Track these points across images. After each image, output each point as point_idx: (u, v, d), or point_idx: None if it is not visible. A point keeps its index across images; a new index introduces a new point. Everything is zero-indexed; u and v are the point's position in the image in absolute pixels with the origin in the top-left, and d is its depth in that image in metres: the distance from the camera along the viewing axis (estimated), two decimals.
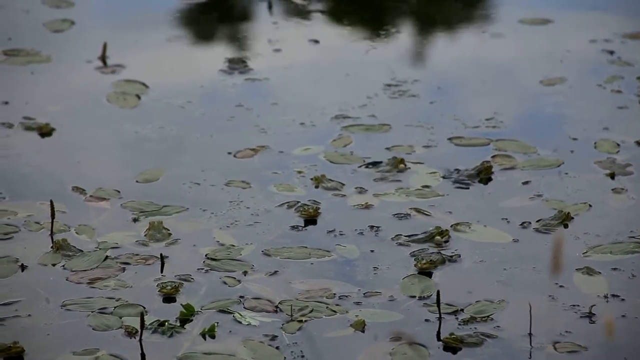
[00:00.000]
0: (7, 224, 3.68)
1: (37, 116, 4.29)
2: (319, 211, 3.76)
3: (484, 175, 3.83)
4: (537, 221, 3.71)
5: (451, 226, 3.69)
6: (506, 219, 3.73)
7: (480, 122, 4.29)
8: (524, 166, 4.01)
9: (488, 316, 3.31)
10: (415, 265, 3.51)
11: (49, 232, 3.65)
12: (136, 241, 3.62)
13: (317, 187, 3.90)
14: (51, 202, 3.65)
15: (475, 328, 3.27)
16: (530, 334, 3.24)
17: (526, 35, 4.97)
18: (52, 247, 3.57)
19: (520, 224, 3.71)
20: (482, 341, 3.22)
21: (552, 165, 4.01)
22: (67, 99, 4.43)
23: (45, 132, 4.21)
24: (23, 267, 3.50)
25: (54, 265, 3.51)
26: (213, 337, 3.25)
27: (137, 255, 3.56)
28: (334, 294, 3.40)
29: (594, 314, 3.31)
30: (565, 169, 3.99)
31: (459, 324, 3.28)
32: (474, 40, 4.93)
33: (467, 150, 4.12)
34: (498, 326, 3.28)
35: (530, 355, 3.18)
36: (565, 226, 3.70)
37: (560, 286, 3.42)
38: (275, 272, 3.49)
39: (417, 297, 3.39)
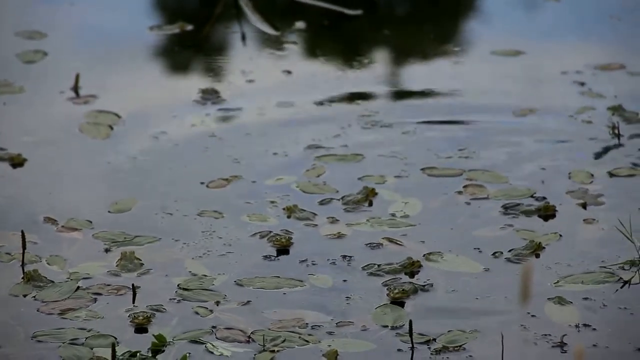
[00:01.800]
0: None
1: (9, 147, 4.28)
2: (292, 241, 3.76)
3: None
4: (509, 251, 3.73)
5: (423, 255, 3.70)
6: (478, 248, 3.74)
7: (453, 152, 4.31)
8: (496, 196, 4.03)
9: (460, 346, 3.31)
10: (387, 295, 3.52)
11: (20, 262, 3.63)
12: (108, 271, 3.61)
13: (289, 217, 3.90)
14: (22, 232, 3.63)
15: (448, 358, 3.27)
16: None
17: (498, 66, 5.00)
18: (22, 278, 3.55)
19: (492, 254, 3.72)
20: None
21: (524, 195, 4.03)
22: (40, 130, 4.42)
23: (17, 162, 4.20)
24: None
25: (24, 296, 3.50)
26: None
27: (108, 285, 3.54)
28: (307, 323, 3.40)
29: (565, 344, 3.32)
30: (538, 199, 4.01)
31: (432, 354, 3.29)
32: (447, 70, 4.95)
33: (439, 181, 4.14)
34: (470, 356, 3.28)
35: None
36: (537, 256, 3.72)
37: (532, 316, 3.43)
38: (248, 302, 3.49)
39: (389, 327, 3.39)
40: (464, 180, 4.13)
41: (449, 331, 3.36)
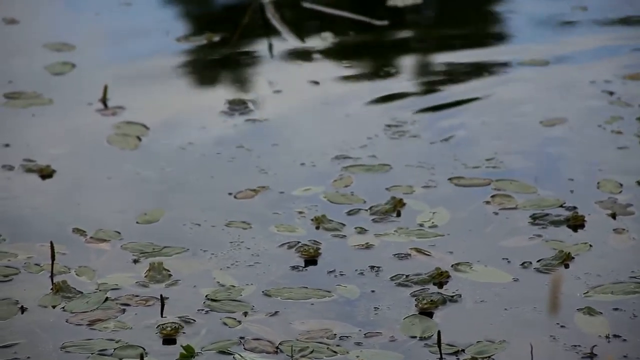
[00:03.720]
0: (7, 265, 3.68)
1: (38, 158, 4.30)
2: (320, 251, 3.75)
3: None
4: (538, 261, 3.71)
5: (452, 266, 3.68)
6: (507, 258, 3.73)
7: (481, 162, 4.30)
8: (524, 206, 4.01)
9: (489, 356, 3.30)
10: (416, 306, 3.51)
11: (49, 273, 3.64)
12: (136, 282, 3.62)
13: (317, 227, 3.90)
14: (51, 243, 3.65)
15: None
16: None
17: (526, 76, 4.98)
18: (52, 289, 3.56)
19: (521, 264, 3.70)
20: None
21: (553, 205, 4.01)
22: (68, 141, 4.44)
23: (45, 174, 4.22)
24: (23, 309, 3.49)
25: (53, 307, 3.51)
26: None
27: (137, 296, 3.55)
28: (335, 334, 3.39)
29: (595, 355, 3.29)
30: (567, 209, 3.99)
31: None
32: (474, 81, 4.94)
33: (467, 191, 4.12)
34: None
35: None
36: (566, 266, 3.70)
37: (562, 326, 3.41)
38: (276, 312, 3.49)
39: (418, 338, 3.38)
40: (492, 190, 4.11)
41: (477, 342, 3.35)
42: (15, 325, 3.42)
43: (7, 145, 4.40)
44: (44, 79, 4.89)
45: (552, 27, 5.43)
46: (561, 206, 4.00)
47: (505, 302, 3.52)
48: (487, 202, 4.04)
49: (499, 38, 5.34)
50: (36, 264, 3.68)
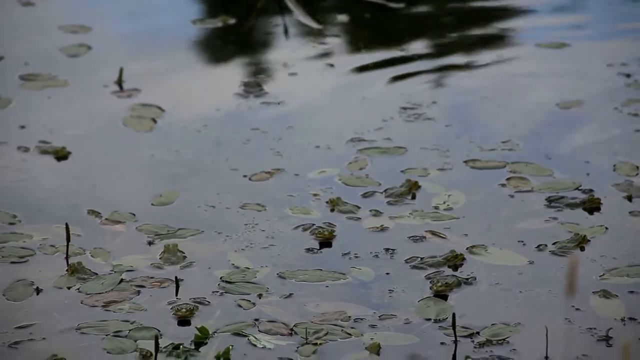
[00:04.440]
0: (22, 247, 3.69)
1: (54, 140, 4.30)
2: (334, 234, 3.75)
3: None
4: (554, 244, 3.70)
5: (467, 249, 3.67)
6: (522, 241, 3.72)
7: (496, 144, 4.28)
8: (540, 189, 4.00)
9: (504, 339, 3.29)
10: (430, 288, 3.50)
11: (64, 255, 3.65)
12: (151, 264, 3.62)
13: (332, 210, 3.89)
14: (66, 225, 3.65)
15: (491, 351, 3.25)
16: (546, 358, 3.22)
17: (543, 59, 4.96)
18: (67, 271, 3.57)
19: (536, 247, 3.69)
20: None
21: (568, 187, 4.00)
22: (84, 123, 4.44)
23: (61, 155, 4.22)
24: (38, 291, 3.50)
25: (69, 288, 3.52)
26: None
27: (152, 278, 3.56)
28: (349, 316, 3.39)
29: (611, 337, 3.28)
30: (583, 192, 3.97)
31: (475, 347, 3.27)
32: (490, 64, 4.92)
33: (483, 173, 4.11)
34: (514, 349, 3.26)
35: None
36: (582, 249, 3.69)
37: (577, 309, 3.40)
38: (290, 294, 3.48)
39: (432, 320, 3.38)
40: (508, 172, 4.10)
41: (492, 324, 3.34)
42: (31, 306, 3.43)
43: (22, 126, 4.40)
44: (59, 60, 4.89)
45: (569, 8, 5.40)
46: (577, 189, 3.99)
47: (521, 284, 3.52)
48: (503, 185, 4.02)
49: (517, 20, 5.31)
50: (51, 246, 3.69)
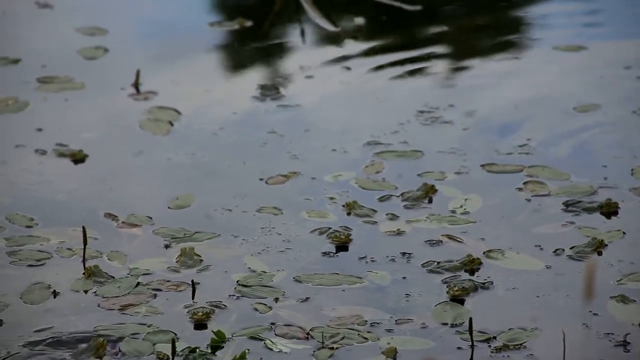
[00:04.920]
0: (39, 250, 3.70)
1: (71, 143, 4.31)
2: (351, 237, 3.75)
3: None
4: (571, 248, 3.69)
5: (483, 253, 3.67)
6: (539, 245, 3.71)
7: (513, 148, 4.27)
8: (557, 193, 3.99)
9: (521, 344, 3.28)
10: (447, 292, 3.49)
11: (81, 258, 3.66)
12: (168, 267, 3.62)
13: (349, 213, 3.89)
14: (83, 228, 3.66)
15: (508, 356, 3.25)
16: None
17: (560, 62, 4.95)
18: (84, 274, 3.57)
19: (554, 251, 3.68)
20: None
21: (586, 192, 3.98)
22: (101, 126, 4.45)
23: (78, 158, 4.23)
24: (55, 294, 3.50)
25: (85, 291, 3.52)
26: None
27: (168, 281, 3.56)
28: (366, 320, 3.39)
29: (628, 343, 3.27)
30: (600, 196, 3.96)
31: (492, 352, 3.26)
32: (507, 66, 4.91)
33: (500, 177, 4.10)
34: (531, 354, 3.25)
35: None
36: (599, 253, 3.67)
37: (594, 314, 3.39)
38: (307, 298, 3.48)
39: (449, 325, 3.37)
40: (525, 176, 4.09)
41: (509, 329, 3.33)
42: (48, 309, 3.44)
43: (40, 129, 4.41)
44: (76, 63, 4.90)
45: (587, 11, 5.39)
46: (594, 193, 3.97)
47: (538, 289, 3.51)
48: (520, 189, 4.01)
49: (533, 23, 5.30)
50: (68, 249, 3.70)
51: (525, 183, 4.04)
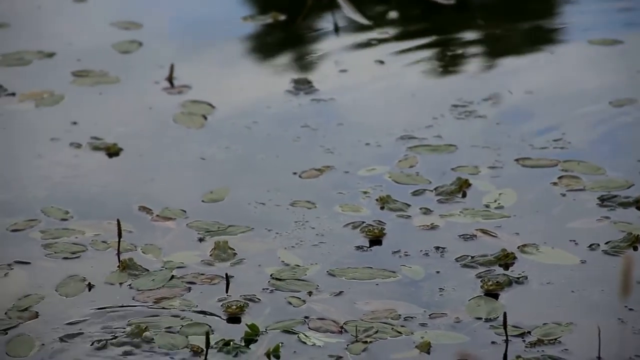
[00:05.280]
0: (74, 243, 3.72)
1: (105, 136, 4.33)
2: (384, 232, 3.74)
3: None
4: (606, 243, 3.66)
5: (518, 247, 3.65)
6: (574, 240, 3.69)
7: (548, 143, 4.25)
8: (592, 187, 3.97)
9: (556, 339, 3.27)
10: (481, 287, 3.48)
11: (116, 251, 3.67)
12: (202, 261, 3.63)
13: (382, 207, 3.88)
14: (118, 221, 3.67)
15: (543, 351, 3.23)
16: (599, 358, 3.19)
17: (595, 56, 4.92)
18: (118, 267, 3.59)
19: (589, 246, 3.66)
20: None
21: (621, 186, 3.96)
22: (135, 120, 4.47)
23: (112, 152, 4.25)
24: (90, 286, 3.52)
25: (120, 284, 3.53)
26: (278, 357, 3.24)
27: (202, 274, 3.57)
28: (399, 315, 3.38)
29: None
30: (635, 191, 3.93)
31: (526, 347, 3.25)
32: (541, 60, 4.89)
33: (534, 172, 4.08)
34: (566, 349, 3.24)
35: None
36: (635, 248, 3.65)
37: (630, 309, 3.37)
38: (340, 292, 3.48)
39: (483, 319, 3.36)
40: (559, 171, 4.07)
41: (544, 324, 3.32)
42: (83, 302, 3.46)
43: (74, 123, 4.43)
44: (111, 57, 4.92)
45: (622, 4, 5.35)
46: (630, 187, 3.95)
47: (573, 284, 3.49)
48: (554, 184, 3.99)
49: (569, 17, 5.27)
50: (103, 242, 3.71)
51: (560, 177, 4.02)
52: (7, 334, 3.32)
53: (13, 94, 4.61)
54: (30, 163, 4.17)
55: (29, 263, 3.61)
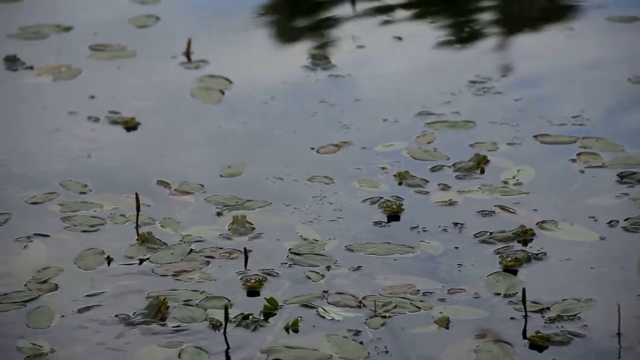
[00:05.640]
0: (93, 216, 3.72)
1: (123, 110, 4.33)
2: (402, 207, 3.74)
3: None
4: (625, 220, 3.66)
5: (536, 224, 3.65)
6: (593, 217, 3.68)
7: (567, 119, 4.24)
8: (611, 164, 3.96)
9: (575, 315, 3.27)
10: (500, 263, 3.48)
11: (134, 225, 3.67)
12: (220, 235, 3.63)
13: (400, 183, 3.88)
14: (136, 195, 3.67)
15: (562, 327, 3.23)
16: (619, 334, 3.19)
17: (614, 33, 4.90)
18: (137, 240, 3.59)
19: (608, 223, 3.65)
20: (569, 340, 3.18)
21: None
22: (152, 94, 4.46)
23: (130, 126, 4.25)
24: (109, 259, 3.53)
25: (139, 258, 3.54)
26: (296, 331, 3.25)
27: (221, 248, 3.57)
28: (418, 290, 3.38)
29: None
30: None
31: (545, 323, 3.24)
32: (560, 37, 4.87)
33: (553, 148, 4.07)
34: (585, 325, 3.24)
35: (619, 355, 3.13)
36: None
37: None
38: (359, 267, 3.48)
39: (502, 295, 3.36)
40: (578, 147, 4.06)
41: (563, 300, 3.31)
42: (102, 274, 3.46)
43: (92, 97, 4.43)
44: (128, 31, 4.91)
45: None
46: None
47: (592, 260, 3.48)
48: (573, 160, 3.98)
49: None
50: (121, 215, 3.72)
51: (578, 154, 4.01)
52: (26, 306, 3.33)
53: (31, 68, 4.61)
54: (49, 136, 4.17)
55: (48, 236, 3.62)
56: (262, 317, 3.29)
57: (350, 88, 4.50)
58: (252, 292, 3.39)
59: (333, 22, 5.04)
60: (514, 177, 3.89)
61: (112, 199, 3.79)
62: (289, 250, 3.56)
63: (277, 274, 3.46)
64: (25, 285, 3.40)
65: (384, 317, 3.28)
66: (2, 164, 3.99)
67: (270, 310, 3.31)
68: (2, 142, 4.14)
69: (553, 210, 3.72)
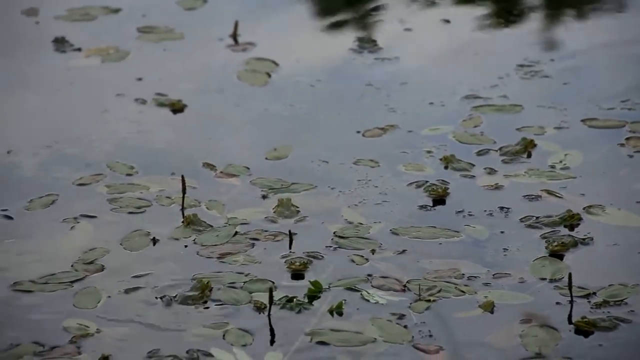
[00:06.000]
0: (139, 198, 3.74)
1: (170, 92, 4.34)
2: (448, 191, 3.72)
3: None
4: None
5: (583, 209, 3.62)
6: None
7: (615, 103, 4.20)
8: None
9: (622, 300, 3.24)
10: (546, 248, 3.46)
11: (180, 207, 3.69)
12: (265, 217, 3.64)
13: (446, 167, 3.86)
14: (182, 177, 3.69)
15: (609, 312, 3.21)
16: None
17: None
18: (183, 222, 3.61)
19: None
20: (615, 325, 3.16)
21: None
22: (199, 76, 4.48)
23: (177, 108, 4.27)
24: (155, 241, 3.55)
25: (184, 239, 3.56)
26: (341, 314, 3.25)
27: (266, 231, 3.58)
28: (463, 274, 3.37)
29: None
30: None
31: (591, 308, 3.22)
32: (608, 20, 4.82)
33: (601, 132, 4.04)
34: (632, 310, 3.21)
35: None
36: None
37: None
38: (404, 251, 3.48)
39: (547, 280, 3.34)
40: (627, 132, 4.02)
41: (609, 285, 3.29)
42: (147, 256, 3.49)
43: (139, 79, 4.45)
44: (176, 13, 4.92)
45: None
46: None
47: (639, 245, 3.45)
48: (622, 145, 3.95)
49: None
50: (167, 197, 3.74)
51: (627, 139, 3.97)
52: (73, 286, 3.36)
53: (79, 50, 4.64)
54: (97, 118, 4.20)
55: (94, 217, 3.65)
56: (306, 300, 3.29)
57: (397, 71, 4.49)
58: (297, 274, 3.40)
59: (380, 5, 5.03)
60: (561, 162, 3.86)
61: (158, 180, 3.81)
62: (334, 233, 3.56)
63: (322, 257, 3.46)
64: (72, 265, 3.43)
65: (429, 301, 3.27)
66: (50, 145, 4.02)
67: (315, 293, 3.31)
68: (50, 124, 4.17)
69: (600, 195, 3.69)
